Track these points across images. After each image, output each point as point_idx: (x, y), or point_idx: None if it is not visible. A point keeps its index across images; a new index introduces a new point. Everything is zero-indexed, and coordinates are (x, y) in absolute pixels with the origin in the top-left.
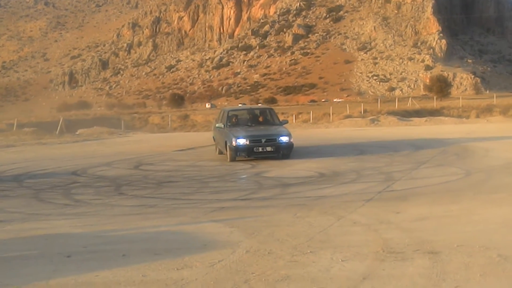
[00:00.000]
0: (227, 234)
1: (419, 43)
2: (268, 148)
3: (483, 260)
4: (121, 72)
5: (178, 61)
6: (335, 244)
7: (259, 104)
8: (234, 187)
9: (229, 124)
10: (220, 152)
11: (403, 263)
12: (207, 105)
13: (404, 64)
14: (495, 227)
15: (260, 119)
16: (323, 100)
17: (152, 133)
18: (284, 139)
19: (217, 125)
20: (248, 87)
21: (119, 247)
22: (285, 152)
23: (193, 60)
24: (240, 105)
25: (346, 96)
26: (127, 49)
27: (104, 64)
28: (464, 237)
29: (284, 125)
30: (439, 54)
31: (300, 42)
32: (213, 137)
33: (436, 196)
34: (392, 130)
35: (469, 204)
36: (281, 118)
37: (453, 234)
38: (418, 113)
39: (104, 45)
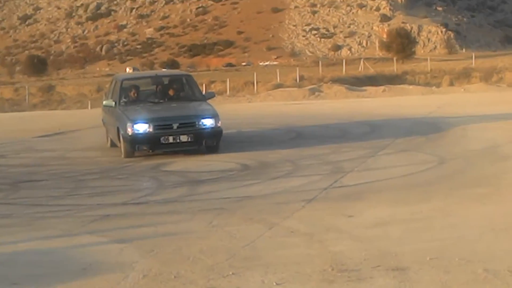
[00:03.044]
0: (115, 253)
1: None
2: (183, 137)
3: (465, 277)
4: None
5: (37, 9)
6: (267, 262)
7: (164, 69)
8: (122, 186)
9: (123, 100)
10: (113, 144)
11: (360, 284)
12: (128, 69)
13: (353, 13)
14: (478, 232)
15: (171, 91)
16: (243, 63)
17: (2, 112)
18: (208, 122)
19: (105, 102)
20: (139, 46)
21: None
22: (209, 143)
23: (59, 8)
24: (129, 70)
25: (275, 58)
26: None
27: None
28: (439, 247)
29: (208, 100)
30: (399, 0)
31: None
32: (103, 120)
33: (400, 192)
34: (339, 104)
35: (444, 203)
36: None
37: (423, 244)
38: (373, 80)
39: None
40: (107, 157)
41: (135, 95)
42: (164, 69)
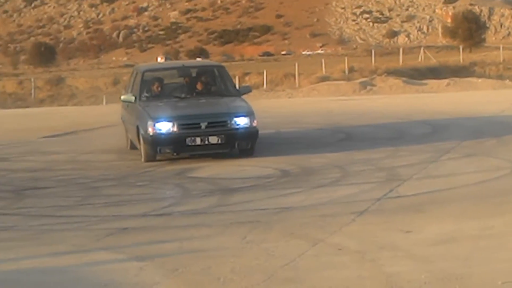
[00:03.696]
0: (134, 272)
1: None
2: (213, 139)
3: None
4: None
5: None
6: (310, 285)
7: (199, 59)
8: (143, 195)
9: (145, 95)
10: (133, 146)
11: None
12: (159, 59)
13: None
14: None
15: (200, 85)
16: (283, 52)
17: (4, 108)
18: (242, 121)
19: (123, 97)
20: (161, 32)
21: None
22: (243, 145)
23: None
24: (160, 59)
25: (321, 46)
26: None
27: None
28: None
29: (243, 96)
30: None
31: None
32: (122, 118)
33: (468, 204)
34: (395, 100)
35: None
36: None
37: (495, 265)
38: (436, 73)
39: None
40: (124, 160)
41: (159, 89)
42: (198, 59)
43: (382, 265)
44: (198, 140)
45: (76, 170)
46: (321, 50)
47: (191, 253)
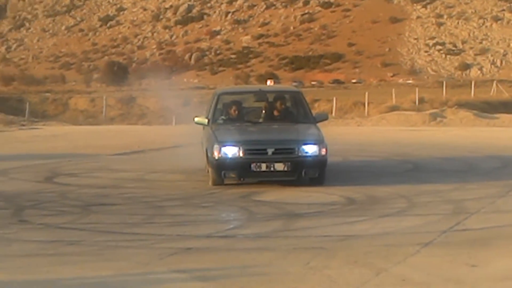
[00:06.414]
0: None
1: None
2: (279, 166)
3: None
4: (27, 24)
5: (120, 9)
6: None
7: (294, 83)
8: (207, 216)
9: (221, 118)
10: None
11: None
12: (269, 82)
13: (486, 27)
14: None
15: (276, 111)
16: (354, 80)
17: (76, 124)
18: (311, 149)
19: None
20: (233, 56)
21: None
22: (310, 174)
23: (145, 9)
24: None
25: (392, 76)
26: None
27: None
28: None
29: (318, 123)
30: None
31: None
32: (201, 140)
33: None
34: (466, 132)
35: None
36: None
37: None
38: (508, 107)
39: None
40: (191, 181)
41: (235, 112)
42: (294, 83)
43: None
44: (263, 166)
45: (143, 188)
46: (386, 80)
47: (253, 276)
